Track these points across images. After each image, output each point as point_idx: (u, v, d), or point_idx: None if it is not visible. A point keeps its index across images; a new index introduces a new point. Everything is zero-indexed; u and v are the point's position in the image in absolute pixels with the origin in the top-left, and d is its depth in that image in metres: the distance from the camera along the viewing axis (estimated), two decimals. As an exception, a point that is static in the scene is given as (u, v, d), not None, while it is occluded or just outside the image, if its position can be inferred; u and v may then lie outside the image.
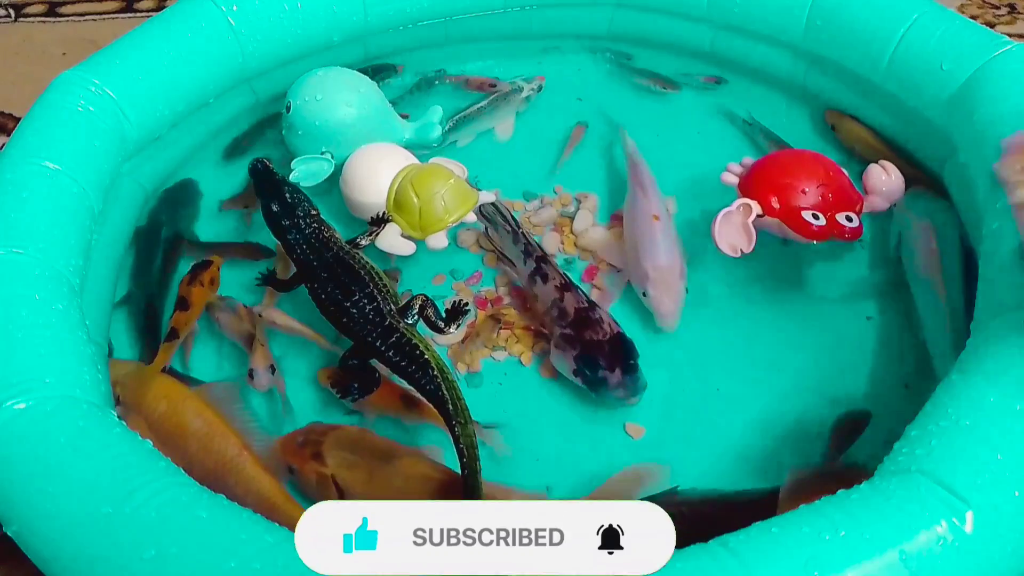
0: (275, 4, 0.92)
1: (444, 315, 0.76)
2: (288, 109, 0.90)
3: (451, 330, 0.76)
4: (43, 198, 0.70)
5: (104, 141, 0.79)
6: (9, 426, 0.55)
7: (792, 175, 0.81)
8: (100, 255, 0.78)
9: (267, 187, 0.80)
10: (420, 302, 0.74)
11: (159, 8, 1.29)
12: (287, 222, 0.78)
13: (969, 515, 0.49)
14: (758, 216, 0.79)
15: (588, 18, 1.08)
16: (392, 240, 0.83)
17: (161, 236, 0.87)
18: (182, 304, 0.78)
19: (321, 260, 0.76)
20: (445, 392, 0.67)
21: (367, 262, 0.76)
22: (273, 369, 0.75)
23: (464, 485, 0.63)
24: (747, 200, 0.79)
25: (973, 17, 1.22)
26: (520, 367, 0.78)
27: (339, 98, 0.89)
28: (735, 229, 0.79)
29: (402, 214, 0.83)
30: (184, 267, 0.84)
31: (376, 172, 0.85)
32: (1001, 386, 0.56)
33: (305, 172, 0.88)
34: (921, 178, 0.88)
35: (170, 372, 0.75)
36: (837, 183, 0.81)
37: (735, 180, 0.85)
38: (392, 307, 0.73)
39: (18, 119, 1.07)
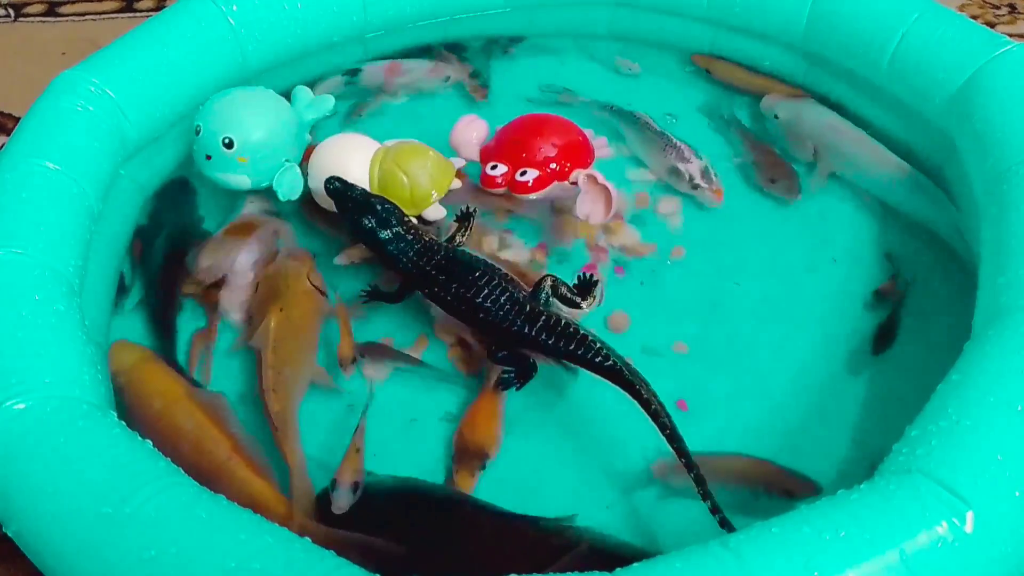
0: (275, 4, 0.92)
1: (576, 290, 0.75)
2: (229, 146, 0.83)
3: (587, 304, 0.75)
4: (43, 198, 0.70)
5: (104, 141, 0.79)
6: (9, 426, 0.55)
7: (509, 137, 0.89)
8: (100, 255, 0.78)
9: (352, 203, 0.77)
10: (550, 282, 0.73)
11: (159, 8, 1.29)
12: (386, 234, 0.75)
13: (969, 515, 0.49)
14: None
15: (587, 18, 1.09)
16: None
17: (164, 234, 0.85)
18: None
19: (433, 264, 0.74)
20: (616, 360, 0.65)
21: (476, 255, 0.75)
22: (357, 486, 0.65)
23: (676, 450, 0.61)
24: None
25: (973, 17, 1.22)
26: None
27: (251, 122, 0.84)
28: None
29: (389, 194, 0.82)
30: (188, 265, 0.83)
31: (345, 160, 0.83)
32: (1001, 386, 0.56)
33: (287, 186, 0.85)
34: (787, 89, 0.98)
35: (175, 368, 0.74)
36: (549, 149, 0.86)
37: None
38: (523, 293, 0.72)
39: (18, 119, 1.07)
